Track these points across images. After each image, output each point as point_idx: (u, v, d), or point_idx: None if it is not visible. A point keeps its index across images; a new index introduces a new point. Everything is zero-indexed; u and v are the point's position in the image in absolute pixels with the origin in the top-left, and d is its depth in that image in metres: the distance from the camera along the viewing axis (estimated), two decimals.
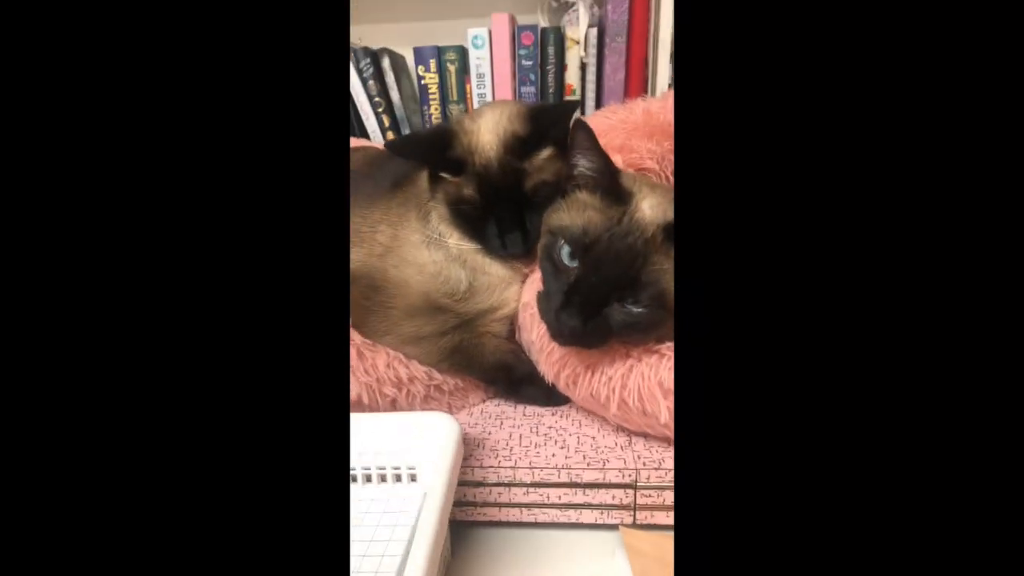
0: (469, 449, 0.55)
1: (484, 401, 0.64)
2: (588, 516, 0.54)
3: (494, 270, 0.60)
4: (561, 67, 1.16)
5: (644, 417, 0.50)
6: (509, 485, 0.53)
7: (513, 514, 0.54)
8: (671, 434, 0.50)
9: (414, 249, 0.60)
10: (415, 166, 0.63)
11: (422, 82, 1.18)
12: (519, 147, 0.56)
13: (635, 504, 0.52)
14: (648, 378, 0.47)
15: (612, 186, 0.48)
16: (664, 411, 0.47)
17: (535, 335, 0.56)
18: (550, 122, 0.57)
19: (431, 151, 0.59)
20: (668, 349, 0.49)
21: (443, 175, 0.58)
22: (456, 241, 0.60)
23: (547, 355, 0.54)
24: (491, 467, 0.53)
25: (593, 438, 0.56)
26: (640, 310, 0.46)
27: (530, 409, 0.62)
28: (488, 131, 0.57)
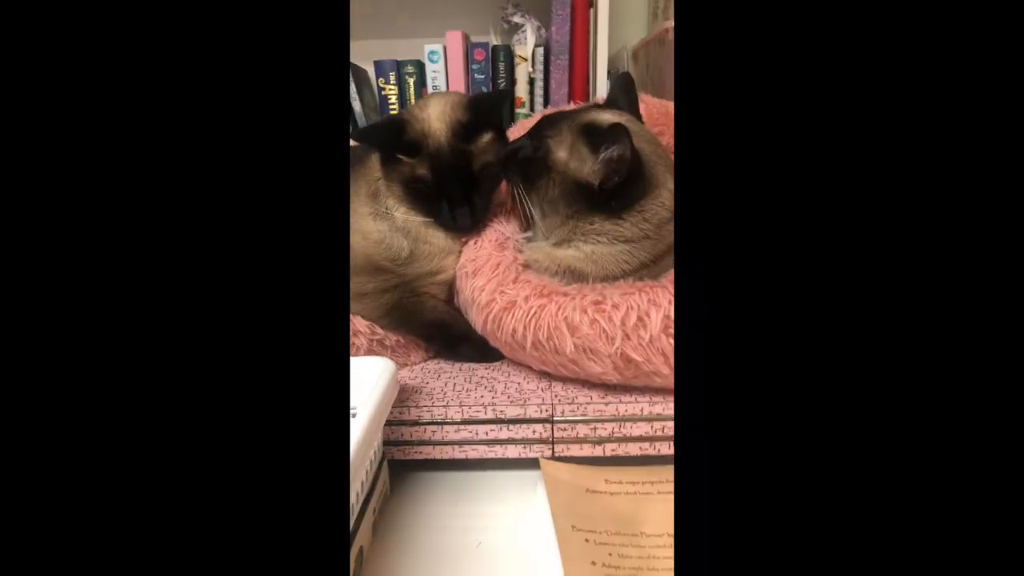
0: (407, 394, 0.61)
1: (425, 360, 0.71)
2: (512, 451, 0.60)
3: (435, 240, 0.68)
4: (511, 81, 1.26)
5: (557, 356, 0.57)
6: (442, 423, 0.59)
7: (446, 451, 0.60)
8: (579, 370, 0.57)
9: (361, 220, 0.67)
10: (366, 151, 0.71)
11: (382, 93, 1.27)
12: (462, 132, 0.65)
13: (553, 437, 0.59)
14: (555, 315, 0.55)
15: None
16: (569, 345, 0.54)
17: (468, 291, 0.63)
18: (487, 108, 0.66)
19: (388, 136, 0.66)
20: (575, 291, 0.57)
21: (399, 157, 0.65)
22: (403, 215, 0.67)
23: (476, 305, 0.61)
24: (425, 406, 0.59)
25: (519, 384, 0.63)
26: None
27: (467, 366, 0.68)
28: (436, 118, 0.65)
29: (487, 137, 0.66)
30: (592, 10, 1.19)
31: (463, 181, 0.65)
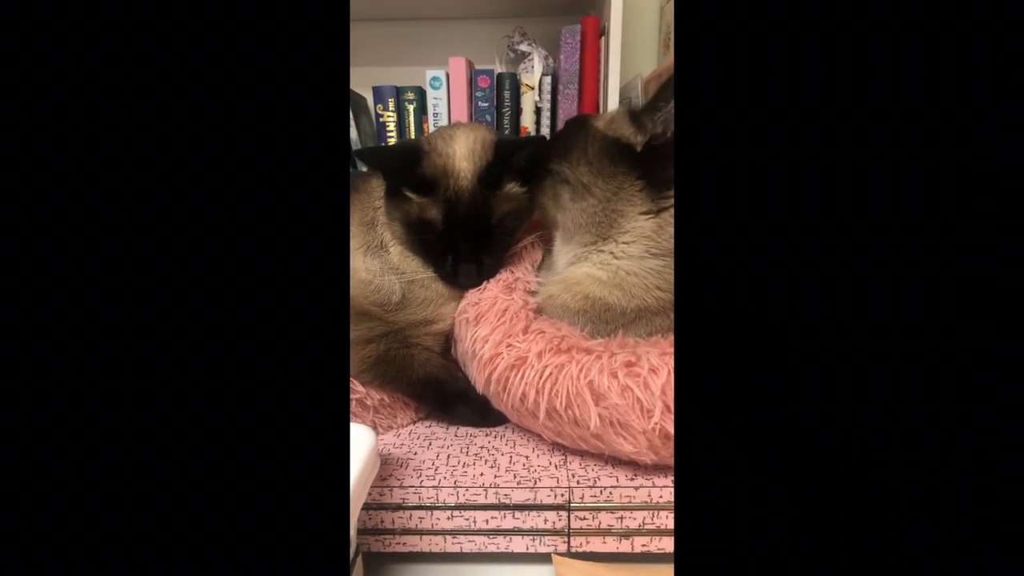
0: (390, 468, 0.50)
1: (414, 422, 0.60)
2: (519, 544, 0.48)
3: (432, 283, 0.58)
4: (517, 110, 1.19)
5: (576, 427, 0.46)
6: (431, 508, 0.48)
7: (436, 543, 0.49)
8: (604, 447, 0.47)
9: (350, 256, 0.57)
10: (364, 176, 0.62)
11: (380, 120, 1.20)
12: (488, 177, 0.55)
13: (569, 528, 0.48)
14: (577, 379, 0.44)
15: None
16: (594, 417, 0.44)
17: (468, 342, 0.53)
18: (514, 152, 0.55)
19: (398, 165, 0.56)
20: (601, 347, 0.47)
21: (406, 192, 0.55)
22: (399, 254, 0.57)
23: (477, 360, 0.51)
24: (412, 487, 0.48)
25: (527, 457, 0.52)
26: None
27: (463, 430, 0.57)
28: (463, 156, 0.55)
29: (511, 185, 0.56)
30: (604, 39, 1.13)
31: (476, 235, 0.55)
